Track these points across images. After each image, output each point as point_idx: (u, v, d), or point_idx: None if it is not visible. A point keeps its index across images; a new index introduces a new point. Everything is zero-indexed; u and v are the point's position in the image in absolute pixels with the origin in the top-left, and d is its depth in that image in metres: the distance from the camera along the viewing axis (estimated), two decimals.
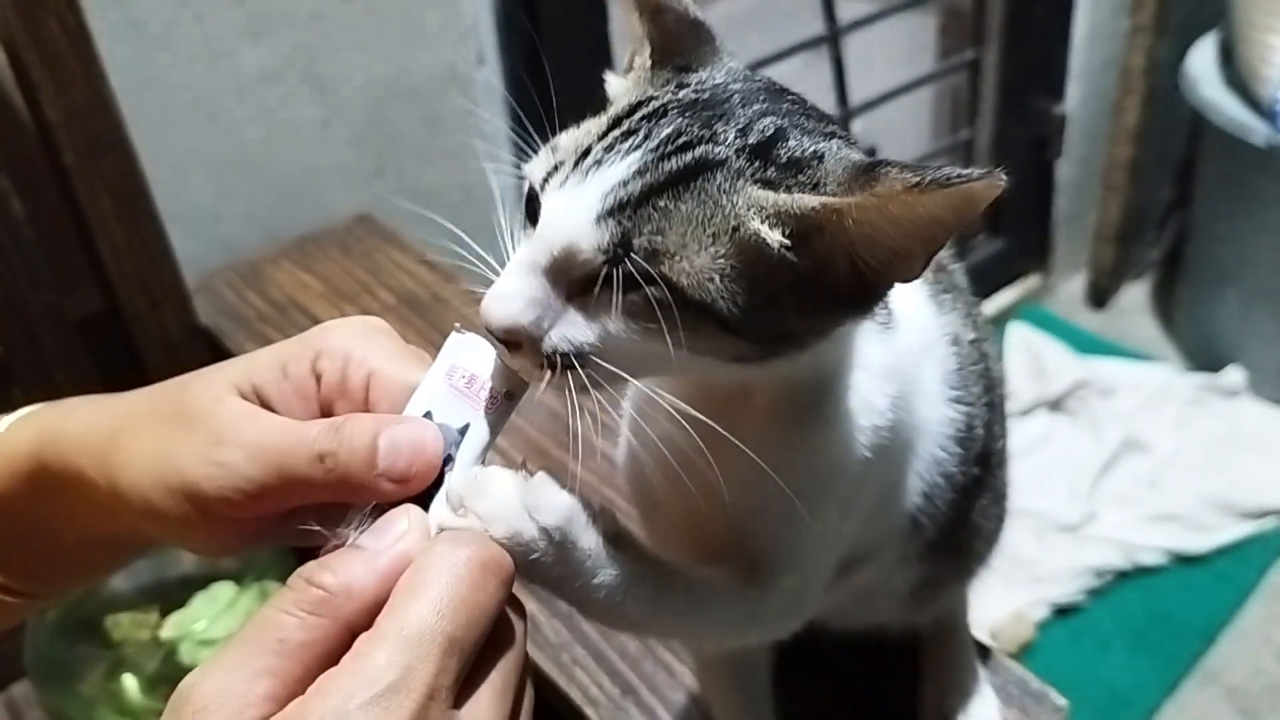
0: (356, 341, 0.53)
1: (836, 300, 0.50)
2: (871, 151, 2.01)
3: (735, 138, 0.49)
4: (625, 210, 0.47)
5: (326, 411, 0.52)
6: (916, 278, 0.49)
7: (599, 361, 0.49)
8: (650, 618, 0.55)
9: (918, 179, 0.44)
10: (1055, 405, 2.34)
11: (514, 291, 0.48)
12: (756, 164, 0.49)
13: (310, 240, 1.47)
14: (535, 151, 0.53)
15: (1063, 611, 1.98)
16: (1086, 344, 2.52)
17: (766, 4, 2.25)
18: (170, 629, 1.06)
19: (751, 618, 0.60)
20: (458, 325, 0.52)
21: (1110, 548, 2.05)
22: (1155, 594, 2.00)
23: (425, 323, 1.29)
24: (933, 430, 0.65)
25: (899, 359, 0.60)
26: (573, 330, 0.49)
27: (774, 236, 0.47)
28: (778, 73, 2.00)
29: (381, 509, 0.48)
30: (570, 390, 0.49)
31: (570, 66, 1.53)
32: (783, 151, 0.49)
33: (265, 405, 0.52)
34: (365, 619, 0.44)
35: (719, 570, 0.58)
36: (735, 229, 0.47)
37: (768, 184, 0.48)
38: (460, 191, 1.56)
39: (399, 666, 0.41)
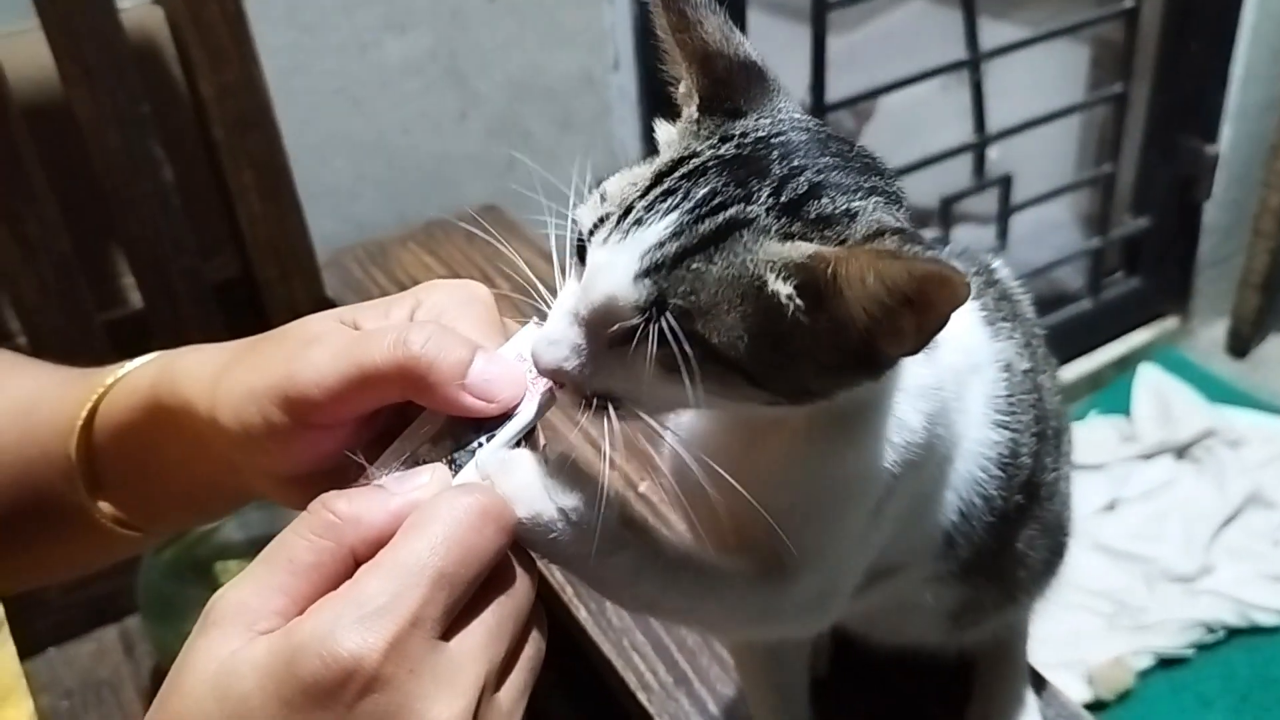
0: (452, 302, 0.57)
1: (848, 364, 0.51)
2: (1006, 180, 1.97)
3: (769, 196, 0.50)
4: (661, 271, 0.49)
5: None
6: (912, 353, 0.51)
7: (633, 403, 0.52)
8: (661, 596, 0.57)
9: (882, 247, 0.45)
10: (1181, 452, 2.26)
11: (559, 337, 0.51)
12: (784, 220, 0.50)
13: (437, 225, 1.52)
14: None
15: (1167, 663, 1.91)
16: (1220, 392, 2.42)
17: (910, 25, 2.24)
18: None
19: (765, 611, 0.61)
20: (535, 319, 0.55)
21: (1224, 603, 1.97)
22: (1266, 655, 1.92)
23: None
24: (973, 450, 0.65)
25: (939, 377, 0.60)
26: (610, 378, 0.51)
27: (783, 288, 0.48)
28: (915, 94, 2.00)
29: (415, 462, 0.51)
30: (610, 420, 0.51)
31: None
32: (813, 208, 0.50)
33: None
34: (369, 550, 0.47)
35: (740, 559, 0.60)
36: (759, 289, 0.49)
37: (788, 238, 0.49)
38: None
39: (388, 593, 0.44)
